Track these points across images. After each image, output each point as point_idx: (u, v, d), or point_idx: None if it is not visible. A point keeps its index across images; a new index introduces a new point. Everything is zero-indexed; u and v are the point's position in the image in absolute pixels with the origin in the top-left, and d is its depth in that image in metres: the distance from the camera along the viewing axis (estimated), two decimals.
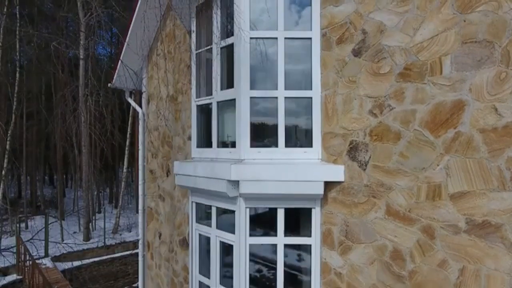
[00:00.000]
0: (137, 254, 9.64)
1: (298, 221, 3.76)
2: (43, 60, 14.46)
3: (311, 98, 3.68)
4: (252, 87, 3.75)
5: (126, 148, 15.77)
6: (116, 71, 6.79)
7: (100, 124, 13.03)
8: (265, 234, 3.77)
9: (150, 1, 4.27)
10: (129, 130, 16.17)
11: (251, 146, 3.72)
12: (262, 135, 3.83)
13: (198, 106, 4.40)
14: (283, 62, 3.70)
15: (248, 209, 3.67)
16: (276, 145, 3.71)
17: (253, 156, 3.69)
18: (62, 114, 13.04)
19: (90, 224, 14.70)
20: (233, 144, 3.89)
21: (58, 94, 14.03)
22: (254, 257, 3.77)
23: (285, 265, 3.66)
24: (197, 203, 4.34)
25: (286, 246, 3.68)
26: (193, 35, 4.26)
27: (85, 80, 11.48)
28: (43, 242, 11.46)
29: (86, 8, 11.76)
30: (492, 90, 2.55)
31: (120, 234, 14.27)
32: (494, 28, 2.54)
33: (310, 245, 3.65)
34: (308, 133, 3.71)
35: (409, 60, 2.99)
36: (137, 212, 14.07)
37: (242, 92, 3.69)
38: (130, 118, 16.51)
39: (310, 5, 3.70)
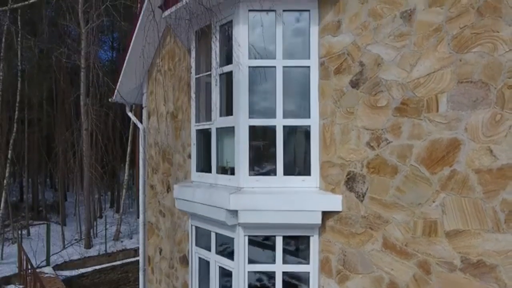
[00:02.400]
0: (138, 261, 9.72)
1: (297, 247, 3.79)
2: (44, 68, 14.52)
3: (309, 126, 3.71)
4: (251, 113, 3.78)
5: (127, 155, 15.83)
6: (117, 86, 6.83)
7: (101, 133, 13.09)
8: (264, 259, 3.79)
9: (149, 24, 4.29)
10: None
11: (250, 174, 3.75)
12: (261, 162, 3.86)
13: (197, 130, 4.43)
14: (281, 91, 3.73)
15: (247, 237, 3.71)
16: (275, 173, 3.74)
17: (252, 184, 3.72)
18: (64, 123, 13.10)
19: (91, 230, 14.76)
20: (232, 170, 3.93)
21: (60, 101, 14.12)
22: (253, 282, 3.80)
23: None
24: (197, 227, 4.37)
25: (284, 273, 3.71)
26: (193, 63, 4.29)
27: (86, 90, 11.54)
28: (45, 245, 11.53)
29: (87, 16, 11.81)
30: (487, 131, 2.57)
31: (122, 241, 14.33)
32: (489, 69, 2.57)
33: (308, 273, 3.68)
34: (307, 161, 3.73)
35: (406, 95, 3.01)
36: (138, 217, 14.14)
37: (241, 121, 3.72)
38: (131, 122, 16.53)
39: (309, 33, 3.72)
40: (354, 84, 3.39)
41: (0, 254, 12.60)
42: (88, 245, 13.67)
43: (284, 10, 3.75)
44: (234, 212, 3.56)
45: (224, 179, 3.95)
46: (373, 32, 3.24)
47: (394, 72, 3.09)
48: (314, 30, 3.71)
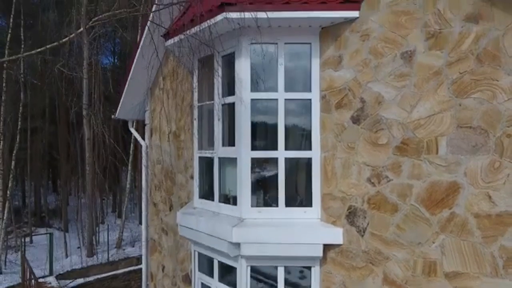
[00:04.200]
0: (140, 270, 9.78)
1: (298, 277, 3.83)
2: (47, 78, 14.59)
3: (311, 158, 3.75)
4: (253, 145, 3.83)
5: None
6: (120, 104, 6.89)
7: (103, 142, 13.17)
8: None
9: (150, 53, 4.32)
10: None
11: (252, 205, 3.80)
12: (263, 192, 3.90)
13: (200, 157, 4.48)
14: (283, 123, 3.77)
15: (249, 267, 3.75)
16: (277, 204, 3.78)
17: (254, 215, 3.77)
18: (66, 131, 13.18)
19: (94, 237, 14.84)
20: (234, 199, 3.97)
21: (62, 110, 14.22)
22: None
23: None
24: (199, 253, 4.42)
25: None
26: (195, 93, 4.34)
27: (88, 101, 11.61)
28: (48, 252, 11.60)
29: (89, 28, 11.90)
30: (486, 177, 2.61)
31: (124, 249, 14.40)
32: (488, 117, 2.61)
33: None
34: (308, 193, 3.78)
35: (406, 135, 3.05)
36: (140, 223, 14.20)
37: (243, 153, 3.76)
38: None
39: (310, 66, 3.77)
40: (355, 120, 3.43)
41: (4, 263, 12.68)
42: (91, 254, 13.74)
43: (285, 43, 3.80)
44: (237, 245, 3.61)
45: (226, 208, 4.00)
46: (374, 70, 3.28)
47: (395, 111, 3.13)
48: (316, 63, 3.75)
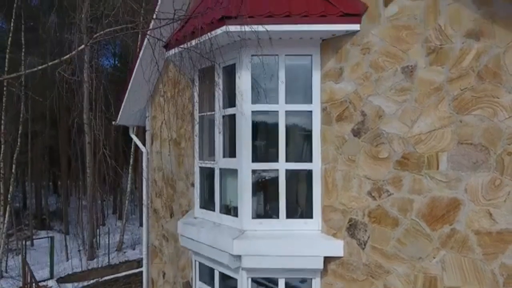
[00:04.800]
0: (141, 273, 9.81)
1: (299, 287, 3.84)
2: (48, 82, 14.60)
3: (311, 170, 3.75)
4: (254, 156, 3.83)
5: (130, 164, 15.90)
6: (120, 111, 6.90)
7: (103, 145, 13.16)
8: None
9: (150, 64, 4.31)
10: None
11: (253, 216, 3.80)
12: (264, 204, 3.91)
13: (201, 168, 4.48)
14: (284, 135, 3.77)
15: (250, 279, 3.76)
16: (277, 216, 3.79)
17: (255, 227, 3.77)
18: (67, 134, 13.17)
19: (94, 240, 14.86)
20: (235, 210, 3.98)
21: (63, 113, 14.24)
22: None
23: None
24: (200, 263, 4.43)
25: None
26: (196, 104, 4.35)
27: (89, 104, 11.63)
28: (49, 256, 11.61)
29: (89, 32, 11.89)
30: (487, 195, 2.62)
31: (124, 252, 14.42)
32: (489, 134, 2.61)
33: None
34: (309, 204, 3.78)
35: (407, 150, 3.06)
36: (141, 225, 14.21)
37: (244, 165, 3.77)
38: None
39: (311, 78, 3.77)
40: (356, 133, 3.43)
41: (5, 266, 12.70)
42: (92, 257, 13.76)
43: (286, 55, 3.80)
44: (238, 257, 3.61)
45: (227, 219, 4.00)
46: (375, 83, 3.28)
47: (395, 126, 3.13)
48: (316, 75, 3.75)
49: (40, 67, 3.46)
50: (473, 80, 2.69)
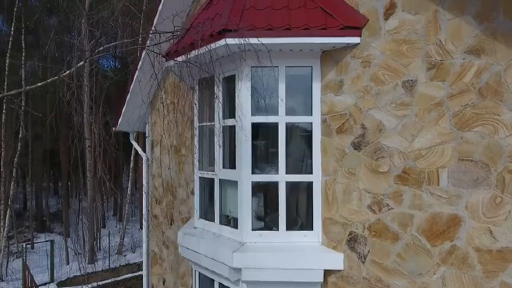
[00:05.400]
0: (141, 276, 9.82)
1: None
2: (48, 87, 14.62)
3: (312, 182, 3.74)
4: (254, 168, 3.83)
5: (131, 168, 15.92)
6: (120, 117, 6.89)
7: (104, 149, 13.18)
8: None
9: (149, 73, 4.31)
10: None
11: (253, 228, 3.79)
12: (264, 216, 3.91)
13: (201, 177, 4.48)
14: (284, 146, 3.76)
15: None
16: (277, 228, 3.78)
17: (255, 239, 3.76)
18: (67, 137, 13.18)
19: (95, 242, 14.87)
20: (235, 221, 3.97)
21: (63, 117, 14.22)
22: None
23: None
24: (200, 273, 4.42)
25: None
26: (196, 116, 4.34)
27: (90, 108, 11.65)
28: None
29: (90, 36, 11.90)
30: (487, 212, 2.60)
31: (125, 255, 14.43)
32: (490, 151, 2.60)
33: None
34: (309, 216, 3.77)
35: (407, 165, 3.05)
36: (141, 227, 14.21)
37: (244, 177, 3.76)
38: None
39: (311, 89, 3.76)
40: (356, 146, 3.42)
41: (5, 270, 12.71)
42: (92, 260, 13.76)
43: (286, 66, 3.79)
44: (238, 269, 3.61)
45: (227, 231, 4.00)
46: (375, 97, 3.27)
47: (396, 140, 3.12)
48: (317, 87, 3.74)
49: (39, 84, 3.45)
50: (474, 96, 2.67)
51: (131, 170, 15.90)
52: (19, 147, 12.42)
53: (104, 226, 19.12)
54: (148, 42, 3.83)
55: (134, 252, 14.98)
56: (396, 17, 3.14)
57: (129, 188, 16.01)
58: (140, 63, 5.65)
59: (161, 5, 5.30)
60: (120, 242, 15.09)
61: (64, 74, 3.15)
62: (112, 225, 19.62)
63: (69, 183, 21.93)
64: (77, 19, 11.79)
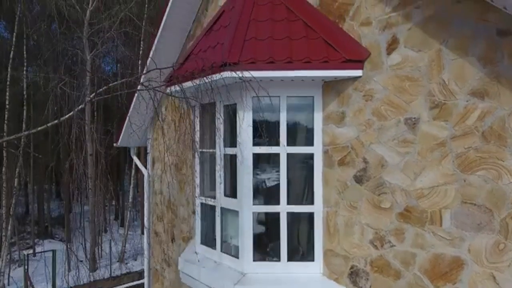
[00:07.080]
0: (142, 284, 9.83)
1: None
2: (49, 95, 14.62)
3: (313, 213, 3.72)
4: (255, 197, 3.81)
5: (132, 176, 15.91)
6: (122, 132, 6.88)
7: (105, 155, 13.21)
8: None
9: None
10: None
11: (254, 259, 3.77)
12: (265, 246, 3.89)
13: (202, 204, 4.46)
14: (285, 177, 3.74)
15: None
16: (279, 258, 3.76)
17: (256, 269, 3.74)
18: (69, 145, 13.19)
19: (96, 249, 14.89)
20: (236, 250, 3.95)
21: (65, 125, 14.24)
22: None
23: None
24: None
25: None
26: (197, 140, 4.33)
27: (91, 117, 11.66)
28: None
29: (91, 45, 11.92)
30: (490, 257, 2.58)
31: (126, 263, 14.44)
32: (493, 196, 2.57)
33: None
34: (310, 247, 3.75)
35: (410, 203, 3.02)
36: (143, 233, 14.22)
37: (245, 207, 3.74)
38: None
39: (313, 120, 3.74)
40: (358, 180, 3.40)
41: (7, 279, 12.73)
42: (93, 268, 13.78)
43: (288, 96, 3.77)
44: None
45: (228, 260, 3.98)
46: (377, 131, 3.25)
47: (398, 177, 3.10)
48: (318, 117, 3.72)
49: (40, 128, 3.44)
50: (477, 139, 2.64)
51: (132, 177, 15.91)
52: (21, 153, 12.43)
53: (106, 231, 19.15)
54: (143, 77, 3.82)
55: (135, 260, 14.99)
56: (398, 53, 3.11)
57: (130, 195, 16.01)
58: (136, 95, 5.65)
59: (158, 35, 5.30)
60: (122, 250, 15.10)
61: (65, 117, 3.14)
62: (113, 230, 19.64)
63: (71, 188, 21.94)
64: (78, 28, 11.82)
